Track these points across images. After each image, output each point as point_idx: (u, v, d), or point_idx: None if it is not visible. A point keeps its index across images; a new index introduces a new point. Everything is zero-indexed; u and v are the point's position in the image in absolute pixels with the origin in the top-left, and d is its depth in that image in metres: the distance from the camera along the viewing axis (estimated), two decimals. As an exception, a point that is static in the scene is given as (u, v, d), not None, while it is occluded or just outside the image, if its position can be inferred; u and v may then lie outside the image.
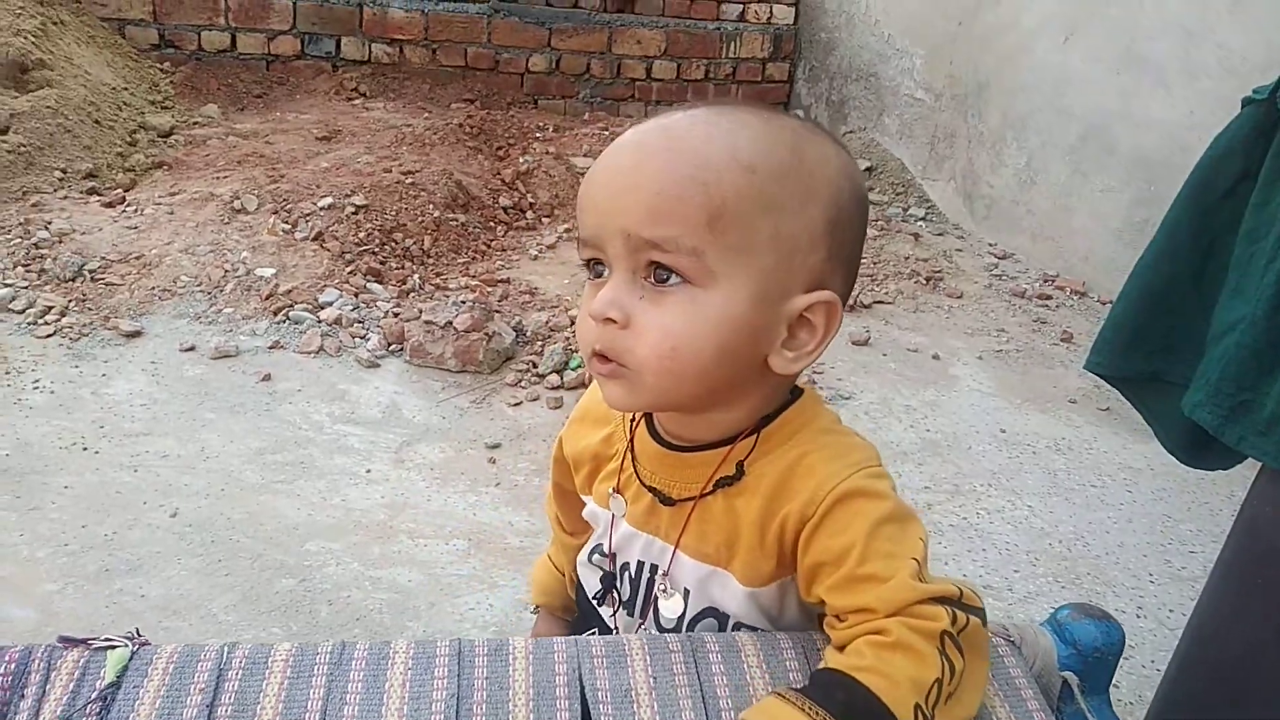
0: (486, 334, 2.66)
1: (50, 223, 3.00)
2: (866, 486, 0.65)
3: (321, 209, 3.22)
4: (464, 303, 2.75)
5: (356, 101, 4.55)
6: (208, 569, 1.83)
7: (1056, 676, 0.76)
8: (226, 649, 0.67)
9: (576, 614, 0.94)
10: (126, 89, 3.98)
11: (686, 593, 0.74)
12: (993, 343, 3.17)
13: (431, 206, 3.45)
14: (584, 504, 0.83)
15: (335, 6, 4.65)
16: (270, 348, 2.63)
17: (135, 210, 3.19)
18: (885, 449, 2.43)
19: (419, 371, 2.63)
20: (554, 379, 2.61)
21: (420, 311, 2.77)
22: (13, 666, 0.64)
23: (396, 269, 3.14)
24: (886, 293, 3.45)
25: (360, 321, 2.80)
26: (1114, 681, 0.82)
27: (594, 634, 0.83)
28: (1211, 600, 1.03)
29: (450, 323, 2.66)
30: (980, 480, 2.37)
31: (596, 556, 0.81)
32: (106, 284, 2.80)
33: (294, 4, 4.58)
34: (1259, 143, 0.95)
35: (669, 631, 0.75)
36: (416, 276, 3.11)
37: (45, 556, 1.81)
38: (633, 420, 0.77)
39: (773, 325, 0.65)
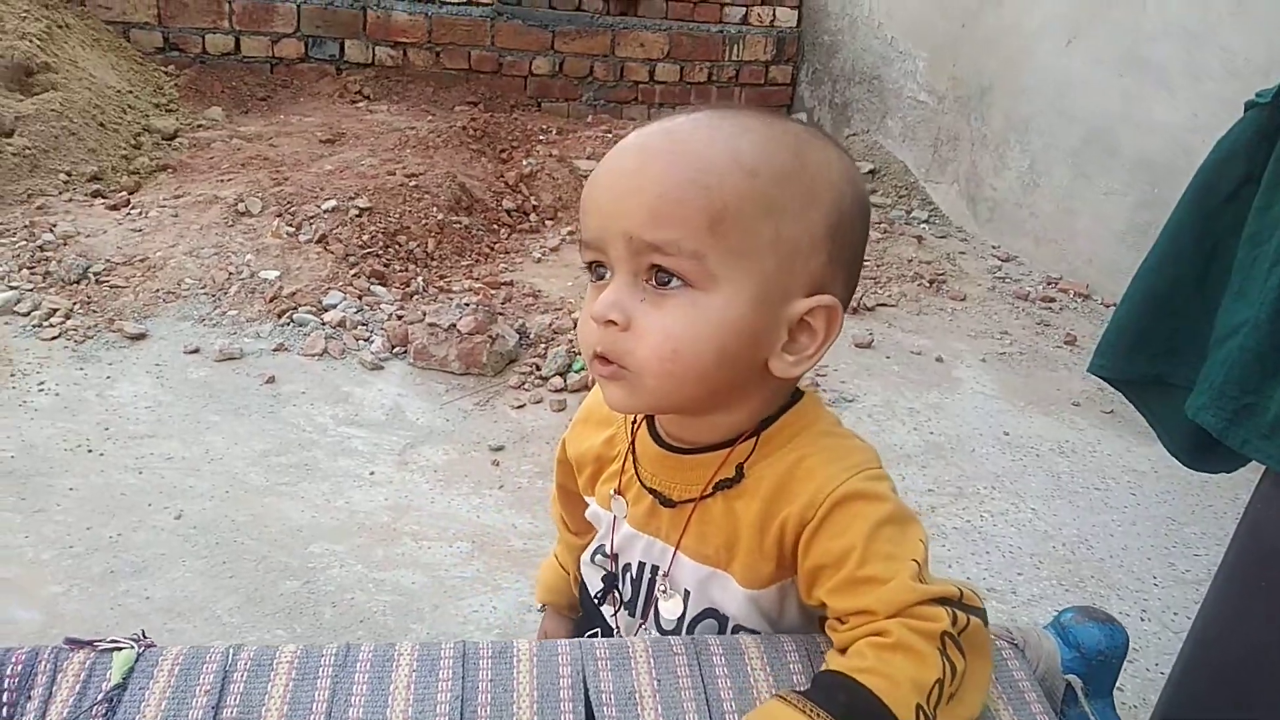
0: (490, 336, 2.66)
1: (55, 225, 3.00)
2: (866, 489, 0.65)
3: (325, 212, 3.23)
4: (467, 305, 2.75)
5: (360, 104, 4.56)
6: (212, 571, 1.83)
7: (1060, 679, 0.76)
8: (232, 651, 0.67)
9: (581, 613, 0.94)
10: (131, 92, 3.99)
11: (687, 594, 0.74)
12: (996, 345, 3.17)
13: (435, 209, 3.45)
14: (587, 505, 0.83)
15: (339, 9, 4.67)
16: (274, 350, 2.64)
17: (140, 213, 3.20)
18: (888, 452, 2.44)
19: (422, 374, 2.63)
20: (557, 381, 2.61)
21: (424, 314, 2.78)
22: (19, 668, 0.65)
23: (400, 271, 3.14)
24: (889, 295, 3.45)
25: (364, 324, 2.80)
26: (1118, 685, 0.83)
27: (596, 634, 0.83)
28: (1215, 603, 1.03)
29: (454, 325, 2.66)
30: (984, 483, 2.37)
31: (599, 557, 0.82)
32: (111, 286, 2.81)
33: (298, 7, 4.59)
34: (1262, 146, 0.95)
35: (669, 633, 0.76)
36: (420, 279, 3.11)
37: (50, 558, 1.82)
38: (634, 422, 0.77)
39: (773, 329, 0.65)
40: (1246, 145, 0.97)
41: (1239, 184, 0.98)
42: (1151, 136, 3.31)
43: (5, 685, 0.64)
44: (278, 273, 2.94)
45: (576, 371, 2.64)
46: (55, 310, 2.64)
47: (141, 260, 2.93)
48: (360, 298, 2.92)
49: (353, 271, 3.03)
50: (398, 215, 3.34)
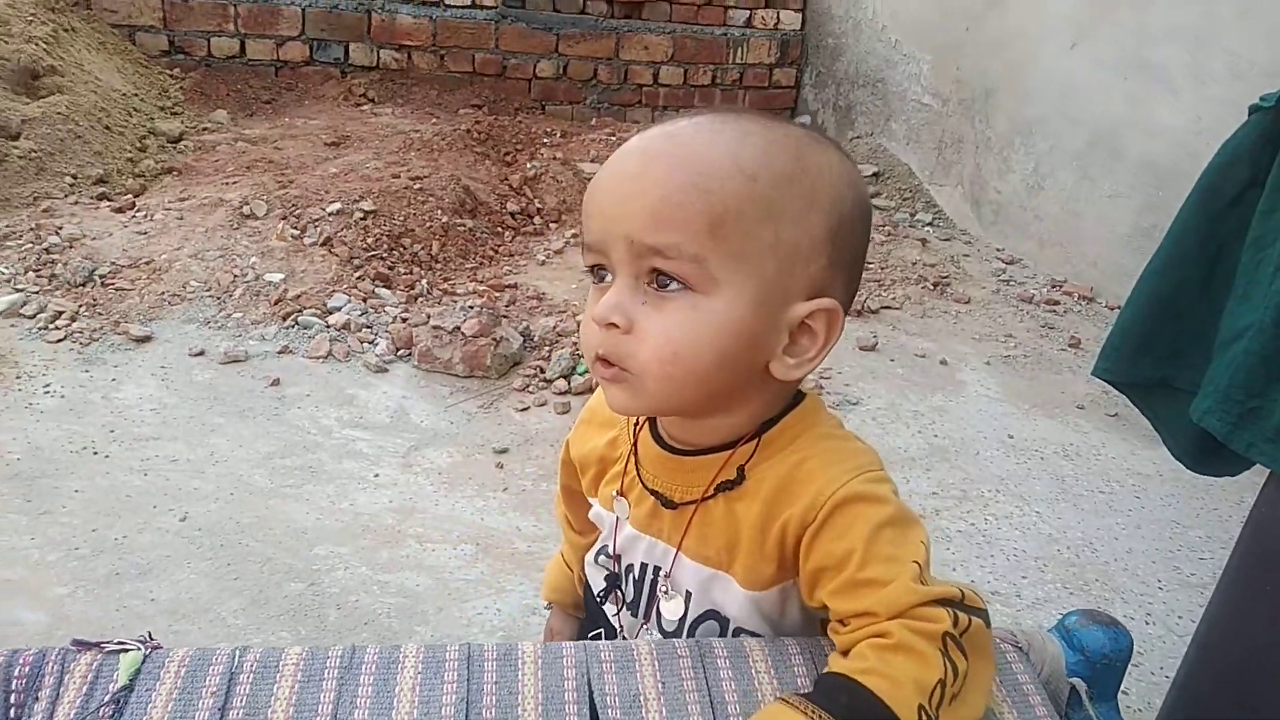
0: (494, 339, 2.67)
1: (61, 228, 3.01)
2: (867, 491, 0.66)
3: (330, 214, 3.24)
4: (472, 308, 2.76)
5: (365, 107, 4.56)
6: (217, 573, 1.84)
7: (1065, 683, 0.76)
8: (238, 653, 0.68)
9: (585, 614, 0.94)
10: (137, 95, 4.00)
11: (688, 595, 0.74)
12: (1000, 348, 3.17)
13: (439, 212, 3.46)
14: (591, 506, 0.83)
15: (344, 13, 4.68)
16: (279, 353, 2.64)
17: (145, 216, 3.21)
18: (892, 455, 2.44)
19: (427, 376, 2.64)
20: (561, 384, 2.62)
21: (428, 316, 2.78)
22: (27, 669, 0.65)
23: (405, 274, 3.15)
24: (894, 298, 3.45)
25: (368, 326, 2.81)
26: (1123, 688, 0.83)
27: (600, 635, 0.84)
28: (1219, 606, 1.02)
29: (458, 328, 2.66)
30: (988, 486, 2.37)
31: (602, 558, 0.82)
32: (116, 289, 2.81)
33: (303, 10, 4.61)
34: (1266, 150, 0.96)
35: (671, 634, 0.76)
36: (424, 282, 3.12)
37: (56, 560, 1.82)
38: (636, 424, 0.77)
39: (773, 332, 0.66)
40: (1251, 149, 0.97)
41: (1243, 188, 0.98)
42: (1156, 139, 3.30)
43: (13, 687, 0.64)
44: (282, 275, 2.95)
45: (580, 374, 2.64)
46: (61, 313, 2.65)
47: (147, 263, 2.94)
48: (365, 300, 2.93)
49: (357, 274, 3.04)
50: (402, 218, 3.35)
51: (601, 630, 0.84)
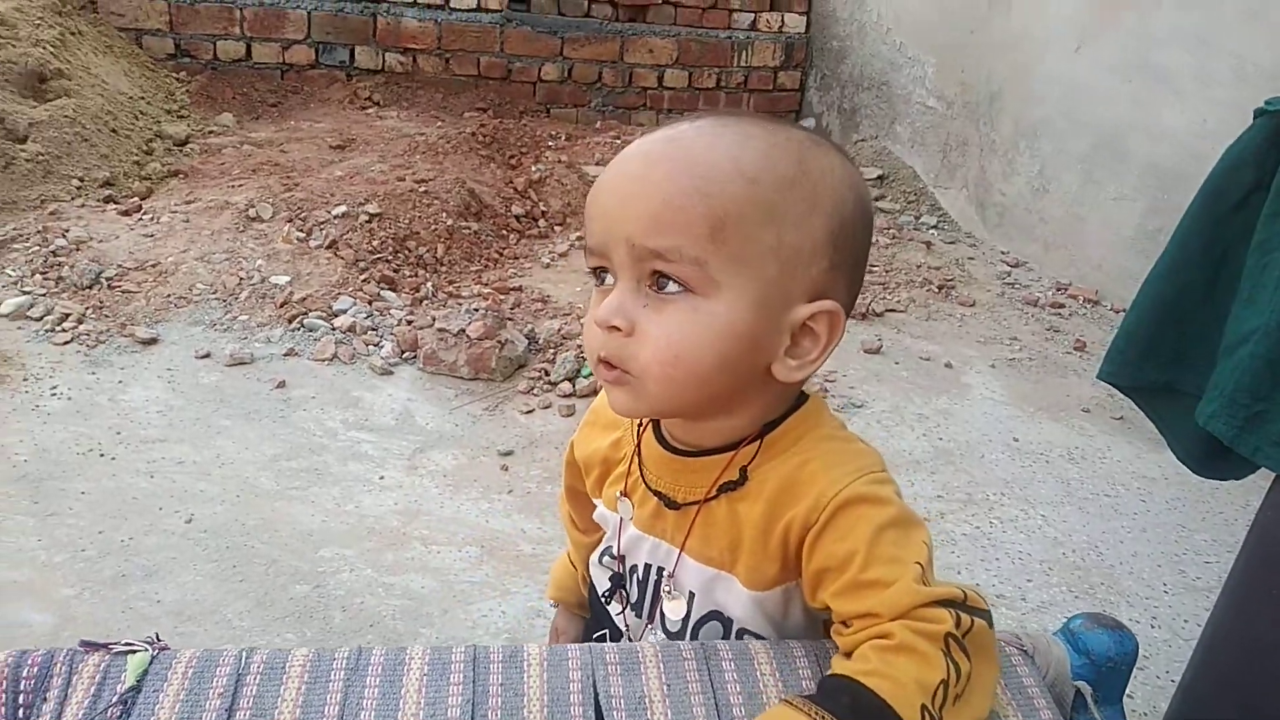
0: (499, 342, 2.67)
1: (68, 231, 3.03)
2: (869, 492, 0.66)
3: (335, 217, 3.24)
4: (477, 310, 2.76)
5: (370, 110, 4.58)
6: (222, 575, 1.84)
7: (1070, 686, 0.76)
8: (244, 654, 0.68)
9: (590, 615, 0.95)
10: (143, 98, 4.02)
11: (692, 595, 0.75)
12: (1005, 351, 3.17)
13: (444, 215, 3.47)
14: (595, 506, 0.84)
15: (349, 16, 4.69)
16: (285, 355, 2.65)
17: (151, 218, 3.22)
18: (897, 458, 2.44)
19: (432, 379, 2.64)
20: (566, 387, 2.62)
21: (433, 319, 2.79)
22: (35, 670, 0.65)
23: (410, 277, 3.15)
24: (899, 301, 3.45)
25: (374, 329, 2.81)
26: (1128, 692, 0.82)
27: (605, 635, 0.84)
28: (1224, 608, 1.03)
29: (463, 330, 2.67)
30: (993, 489, 2.37)
31: (606, 558, 0.82)
32: (123, 291, 2.82)
33: (309, 14, 4.62)
34: (1271, 154, 0.96)
35: (675, 634, 0.76)
36: (430, 284, 3.12)
37: (62, 561, 1.83)
38: (640, 425, 0.78)
39: (775, 334, 0.66)
40: (1256, 152, 0.97)
41: (1248, 191, 0.98)
42: (1161, 142, 3.30)
43: (21, 687, 0.64)
44: (288, 278, 2.96)
45: (585, 377, 2.65)
46: (68, 315, 2.66)
47: (153, 265, 2.95)
48: (370, 303, 2.93)
49: (363, 277, 3.04)
50: (407, 221, 3.36)
51: (606, 631, 0.85)
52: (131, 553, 1.87)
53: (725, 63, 5.38)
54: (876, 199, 4.51)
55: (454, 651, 0.69)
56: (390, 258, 3.19)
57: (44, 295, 2.74)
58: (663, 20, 5.21)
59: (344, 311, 2.85)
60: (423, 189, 3.53)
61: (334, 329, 2.77)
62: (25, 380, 2.40)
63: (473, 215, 3.59)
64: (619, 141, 4.49)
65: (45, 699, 0.64)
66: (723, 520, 0.71)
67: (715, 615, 0.74)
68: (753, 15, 5.36)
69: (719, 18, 5.30)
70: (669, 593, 0.75)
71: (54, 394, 2.36)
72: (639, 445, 0.77)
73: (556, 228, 3.80)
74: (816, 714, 0.58)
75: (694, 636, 0.75)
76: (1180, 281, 1.06)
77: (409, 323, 2.83)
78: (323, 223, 3.22)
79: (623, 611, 0.81)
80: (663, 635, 0.77)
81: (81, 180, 3.38)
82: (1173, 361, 1.08)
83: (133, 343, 2.62)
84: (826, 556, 0.65)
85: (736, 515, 0.70)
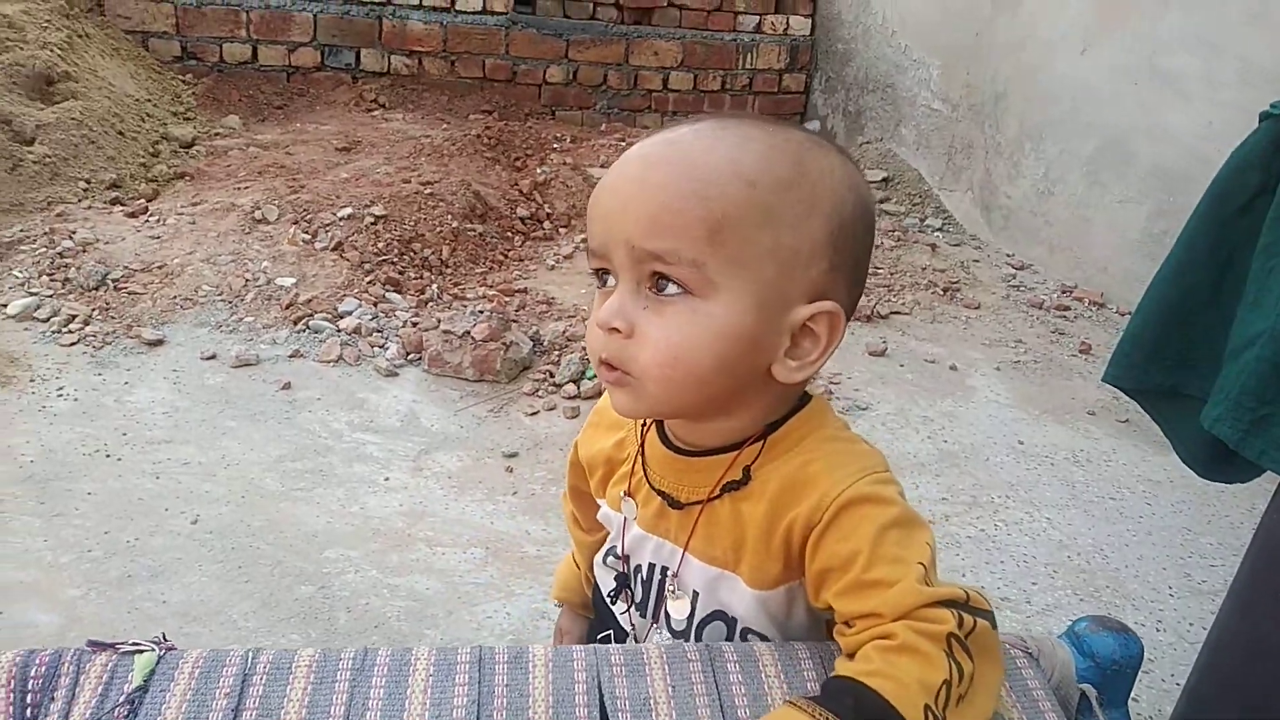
0: (504, 343, 2.68)
1: (74, 232, 3.04)
2: (872, 492, 0.66)
3: (341, 219, 3.25)
4: (482, 312, 2.77)
5: (376, 113, 4.59)
6: (228, 575, 1.85)
7: (1075, 689, 0.76)
8: (251, 654, 0.68)
9: (595, 615, 0.95)
10: (149, 100, 4.03)
11: (695, 595, 0.75)
12: (1010, 354, 3.16)
13: (450, 217, 3.47)
14: (599, 506, 0.84)
15: (355, 19, 4.70)
16: (290, 356, 2.66)
17: (158, 220, 3.23)
18: (902, 460, 2.43)
19: (437, 380, 2.65)
20: (571, 388, 2.62)
21: (438, 321, 2.79)
22: (43, 669, 0.66)
23: (415, 279, 3.16)
24: (904, 303, 3.44)
25: (379, 331, 2.82)
26: (1133, 695, 0.82)
27: (609, 636, 0.84)
28: (1229, 611, 1.02)
29: (468, 332, 2.67)
30: (998, 492, 2.36)
31: (611, 559, 0.83)
32: (129, 293, 2.83)
33: (314, 16, 4.63)
34: (1277, 157, 0.96)
35: (679, 634, 0.76)
36: (435, 286, 3.13)
37: (69, 562, 1.83)
38: (644, 425, 0.78)
39: (774, 335, 0.66)
40: (1261, 156, 0.97)
41: (1254, 194, 0.98)
42: (1167, 145, 3.30)
43: (29, 686, 0.65)
44: (294, 280, 2.97)
45: (590, 378, 2.65)
46: (74, 316, 2.67)
47: (159, 267, 2.96)
48: (375, 305, 2.94)
49: (368, 279, 3.05)
50: (413, 223, 3.36)
51: (610, 631, 0.85)
52: (137, 553, 1.88)
53: (730, 65, 5.38)
54: (881, 201, 4.51)
55: (459, 652, 0.69)
56: (395, 260, 3.19)
57: (50, 296, 2.75)
58: (668, 23, 5.22)
59: (349, 313, 2.86)
60: (428, 191, 3.53)
61: (339, 331, 2.78)
62: (32, 381, 2.41)
63: (478, 217, 3.60)
64: (624, 144, 4.49)
65: (53, 698, 0.64)
66: (726, 520, 0.71)
67: (719, 615, 0.74)
68: (758, 18, 5.37)
69: (724, 20, 5.31)
70: (673, 592, 0.75)
71: (60, 395, 2.37)
72: (643, 445, 0.77)
73: (561, 230, 3.81)
74: (821, 715, 0.58)
75: (698, 636, 0.75)
76: (1186, 284, 1.06)
77: (414, 324, 2.84)
78: (328, 225, 3.23)
79: (627, 611, 0.81)
80: (667, 635, 0.77)
81: (88, 182, 3.39)
82: (1178, 364, 1.08)
83: (139, 344, 2.62)
84: (829, 556, 0.66)
85: (740, 515, 0.71)
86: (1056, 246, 3.84)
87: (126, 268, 2.92)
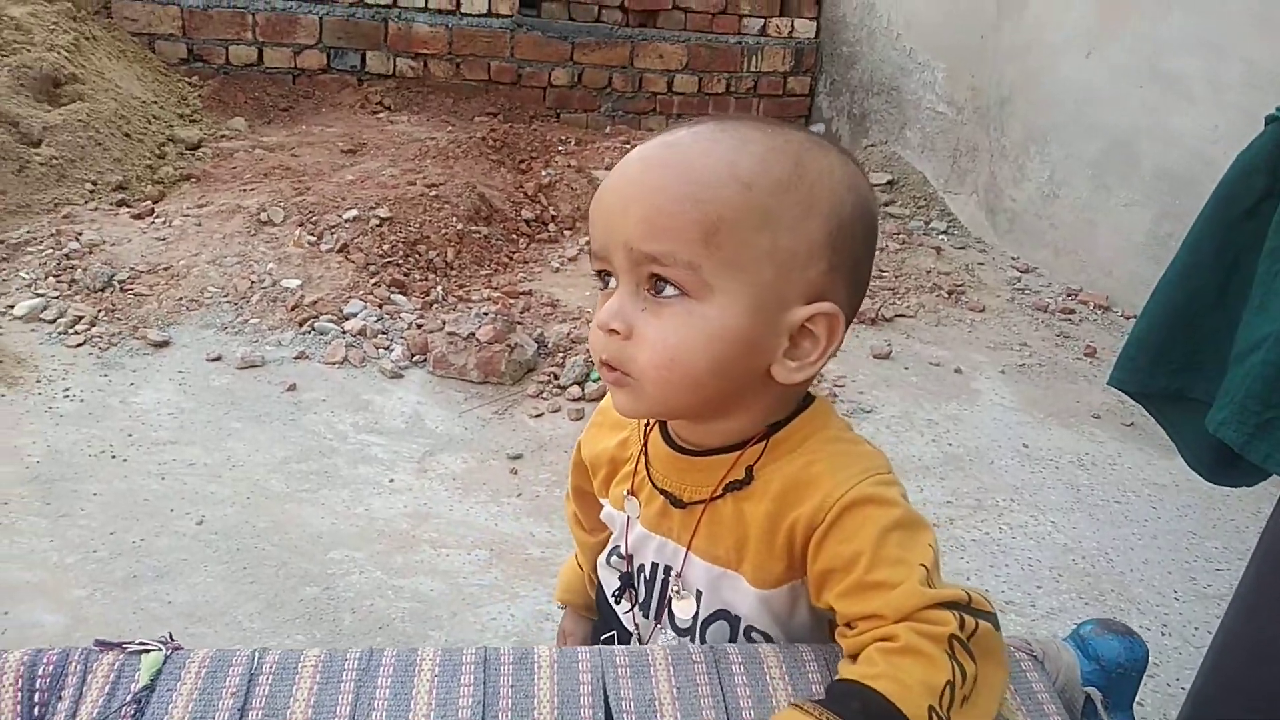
0: (508, 345, 2.68)
1: (81, 234, 3.05)
2: (875, 494, 0.66)
3: (346, 221, 3.26)
4: (486, 314, 2.77)
5: (381, 115, 4.60)
6: (233, 576, 1.85)
7: (1079, 692, 0.76)
8: (257, 654, 0.68)
9: (599, 616, 0.95)
10: (156, 102, 4.05)
11: (699, 594, 0.75)
12: (1015, 357, 3.16)
13: (455, 219, 3.48)
14: (601, 506, 0.84)
15: (361, 21, 4.71)
16: (295, 358, 2.66)
17: (164, 222, 3.24)
18: (906, 463, 2.43)
19: (442, 382, 2.65)
20: (575, 390, 2.62)
21: (443, 323, 2.80)
22: (50, 668, 0.66)
23: (420, 281, 3.16)
24: (908, 306, 3.44)
25: (384, 332, 2.82)
26: (1138, 699, 0.82)
27: (613, 636, 0.84)
28: (1235, 615, 1.02)
29: (473, 334, 2.68)
30: (1002, 495, 2.36)
31: (614, 558, 0.83)
32: (135, 294, 2.84)
33: (320, 19, 4.65)
34: (1283, 160, 0.96)
35: (683, 632, 0.76)
36: (440, 288, 3.13)
37: (74, 562, 1.84)
38: (647, 424, 0.78)
39: (772, 336, 0.66)
40: (1268, 159, 0.97)
41: (1260, 198, 0.98)
42: (1172, 148, 3.29)
43: (37, 686, 0.65)
44: (299, 281, 2.97)
45: (594, 381, 2.65)
46: (80, 317, 2.68)
47: (165, 268, 2.97)
48: (380, 306, 2.95)
49: (373, 280, 3.06)
50: (418, 225, 3.37)
51: (614, 632, 0.85)
52: (143, 554, 1.88)
53: (735, 68, 5.39)
54: (886, 204, 4.51)
55: (465, 653, 0.69)
56: (400, 262, 3.20)
57: (57, 298, 2.76)
58: (673, 25, 5.23)
59: (354, 315, 2.86)
60: (433, 193, 3.54)
61: (344, 332, 2.78)
62: (38, 382, 2.41)
63: (483, 219, 3.60)
64: (628, 146, 4.47)
65: (60, 697, 0.65)
66: (729, 519, 0.72)
67: (722, 614, 0.74)
68: (762, 20, 5.37)
69: (729, 23, 5.31)
70: (678, 592, 0.76)
71: (66, 396, 2.38)
72: (646, 444, 0.78)
73: (566, 232, 3.81)
74: (826, 718, 0.59)
75: (702, 635, 0.75)
76: (1191, 288, 1.06)
77: (419, 326, 2.84)
78: (334, 227, 3.23)
79: (631, 611, 0.81)
80: (671, 634, 0.77)
81: (95, 184, 3.40)
82: (1183, 368, 1.08)
83: (145, 345, 2.63)
84: (832, 557, 0.66)
85: (742, 514, 0.71)
86: (1061, 250, 3.84)
87: (133, 269, 2.93)
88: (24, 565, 1.82)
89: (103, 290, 2.83)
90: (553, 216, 3.87)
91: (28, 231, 3.04)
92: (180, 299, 2.84)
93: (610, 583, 0.84)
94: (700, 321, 0.64)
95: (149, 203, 3.41)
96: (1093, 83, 3.61)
